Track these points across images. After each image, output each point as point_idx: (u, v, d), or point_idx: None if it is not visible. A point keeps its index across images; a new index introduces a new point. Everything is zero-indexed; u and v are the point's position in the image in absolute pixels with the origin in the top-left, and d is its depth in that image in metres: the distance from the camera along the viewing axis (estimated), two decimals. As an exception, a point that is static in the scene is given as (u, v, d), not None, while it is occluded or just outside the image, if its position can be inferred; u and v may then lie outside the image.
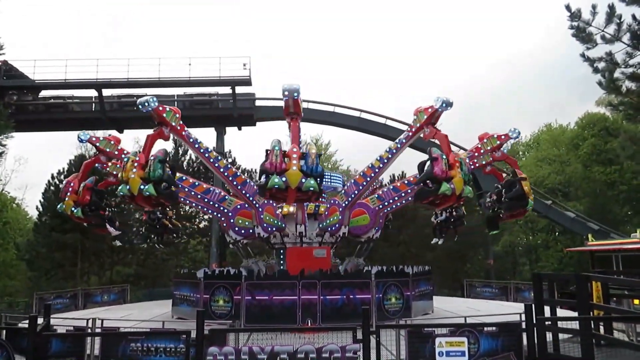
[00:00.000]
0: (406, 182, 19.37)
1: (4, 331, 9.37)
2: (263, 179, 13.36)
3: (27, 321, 8.82)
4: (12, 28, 54.59)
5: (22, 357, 8.59)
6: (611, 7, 13.53)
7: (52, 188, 35.49)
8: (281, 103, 33.90)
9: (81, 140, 18.02)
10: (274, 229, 18.13)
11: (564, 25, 14.36)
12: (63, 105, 33.86)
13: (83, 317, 13.19)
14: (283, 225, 18.30)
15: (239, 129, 35.15)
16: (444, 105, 15.66)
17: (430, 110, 16.12)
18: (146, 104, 14.48)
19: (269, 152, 13.41)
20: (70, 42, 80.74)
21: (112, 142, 17.90)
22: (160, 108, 14.72)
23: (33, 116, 33.07)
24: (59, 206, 18.31)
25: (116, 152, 17.73)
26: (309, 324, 14.59)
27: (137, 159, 13.81)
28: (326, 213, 18.33)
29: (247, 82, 32.44)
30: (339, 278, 16.32)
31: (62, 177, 35.40)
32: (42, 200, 35.77)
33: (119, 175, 14.42)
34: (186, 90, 33.64)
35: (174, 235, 24.29)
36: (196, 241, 39.46)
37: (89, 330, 11.37)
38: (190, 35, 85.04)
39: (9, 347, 8.63)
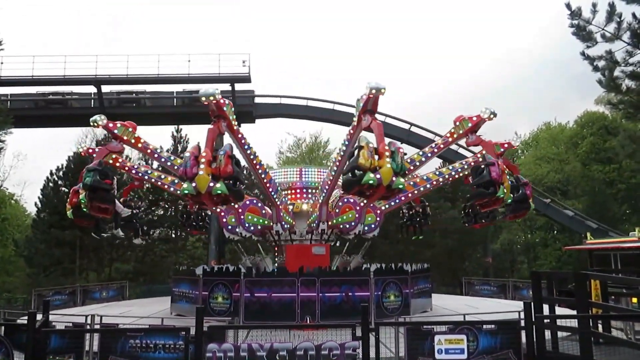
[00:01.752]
0: (412, 183, 19.31)
1: (3, 327, 9.34)
2: (350, 175, 12.69)
3: (25, 317, 8.81)
4: (12, 27, 54.42)
5: (21, 353, 8.58)
6: (611, 6, 13.56)
7: (50, 184, 35.44)
8: (280, 100, 34.56)
9: (96, 125, 16.53)
10: (287, 226, 18.33)
11: (562, 23, 14.40)
12: (62, 101, 33.74)
13: (82, 314, 13.20)
14: (293, 222, 18.61)
15: (239, 125, 35.05)
16: (491, 115, 16.31)
17: (475, 119, 16.54)
18: (211, 96, 13.45)
19: (362, 148, 12.54)
20: (70, 42, 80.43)
21: (130, 129, 16.70)
22: (222, 101, 13.92)
23: (32, 112, 33.03)
24: (68, 207, 17.09)
25: (133, 140, 16.71)
26: (308, 321, 14.62)
27: (204, 154, 12.77)
28: (337, 210, 18.25)
29: (246, 79, 32.37)
30: (337, 275, 16.35)
31: (60, 173, 35.41)
32: (40, 196, 35.70)
33: (180, 171, 13.47)
34: (185, 87, 33.59)
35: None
36: (194, 238, 39.45)
37: (88, 327, 11.36)
38: (190, 34, 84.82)
39: (7, 344, 8.62)
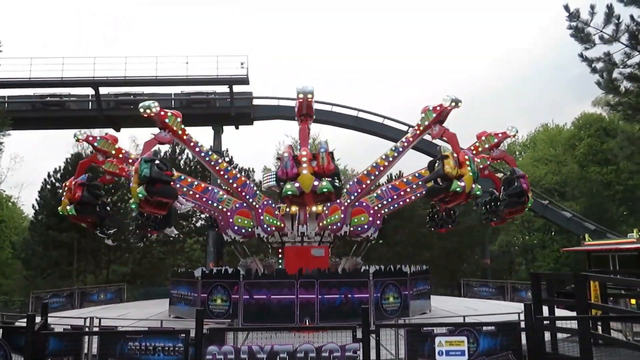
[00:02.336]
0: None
1: (1, 330, 9.31)
2: (434, 183, 13.12)
3: (23, 320, 8.79)
4: (12, 27, 54.35)
5: (19, 356, 8.55)
6: (610, 8, 13.57)
7: (48, 186, 35.37)
8: (278, 102, 34.50)
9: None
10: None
11: (562, 24, 14.41)
12: (60, 103, 33.67)
13: (80, 316, 13.13)
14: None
15: (237, 127, 35.10)
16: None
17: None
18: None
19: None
20: (70, 42, 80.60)
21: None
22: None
23: (29, 114, 32.93)
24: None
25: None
26: (307, 323, 14.58)
27: (304, 153, 13.09)
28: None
29: (244, 81, 32.34)
30: (337, 277, 16.31)
31: (58, 175, 35.31)
32: (38, 198, 35.64)
33: (279, 172, 13.73)
34: (183, 89, 33.53)
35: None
36: (193, 240, 39.36)
37: (87, 329, 11.31)
38: (189, 35, 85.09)
39: (6, 346, 8.59)
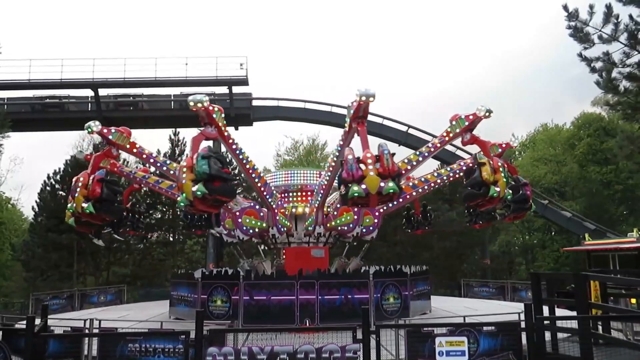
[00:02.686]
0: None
1: (1, 332, 9.29)
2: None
3: (23, 322, 8.78)
4: (10, 28, 54.36)
5: (19, 358, 8.53)
6: (608, 7, 13.60)
7: (48, 188, 35.30)
8: (277, 103, 34.51)
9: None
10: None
11: (561, 24, 14.43)
12: (59, 104, 33.65)
13: (80, 318, 13.12)
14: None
15: (236, 129, 35.08)
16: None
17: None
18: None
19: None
20: (69, 42, 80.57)
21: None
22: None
23: (29, 116, 32.92)
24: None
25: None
26: (307, 324, 14.57)
27: (368, 155, 12.66)
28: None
29: (243, 82, 32.36)
30: (337, 278, 16.30)
31: (57, 177, 35.28)
32: (38, 200, 35.57)
33: (344, 175, 12.89)
34: (183, 90, 33.48)
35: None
36: (193, 241, 39.34)
37: (87, 331, 11.29)
38: (189, 35, 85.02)
39: (5, 348, 8.57)
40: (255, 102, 34.46)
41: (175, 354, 8.17)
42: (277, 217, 17.83)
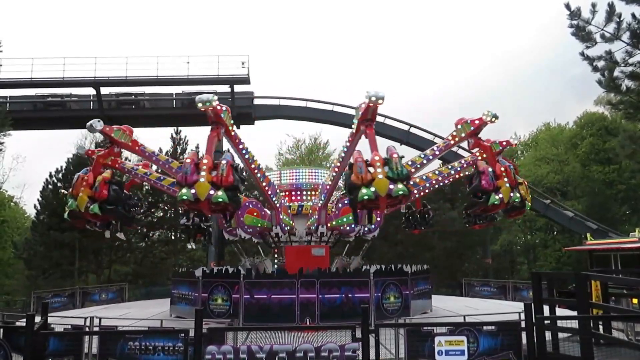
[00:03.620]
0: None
1: (1, 330, 9.32)
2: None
3: (24, 320, 8.77)
4: (12, 27, 54.45)
5: (19, 356, 8.55)
6: (611, 6, 13.56)
7: (50, 186, 35.35)
8: (279, 102, 34.50)
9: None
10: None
11: (562, 24, 14.39)
12: (61, 103, 33.68)
13: (81, 316, 13.13)
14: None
15: (238, 127, 34.86)
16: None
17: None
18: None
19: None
20: (72, 40, 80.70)
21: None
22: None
23: (31, 114, 32.97)
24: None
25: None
26: (307, 323, 14.57)
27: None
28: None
29: (245, 80, 32.34)
30: (337, 277, 16.30)
31: (59, 175, 35.33)
32: (40, 198, 35.63)
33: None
34: (184, 89, 33.53)
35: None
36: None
37: (87, 329, 11.31)
38: (191, 34, 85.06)
39: (6, 346, 8.60)
40: (256, 101, 34.44)
41: (174, 352, 8.18)
42: (281, 216, 17.86)
